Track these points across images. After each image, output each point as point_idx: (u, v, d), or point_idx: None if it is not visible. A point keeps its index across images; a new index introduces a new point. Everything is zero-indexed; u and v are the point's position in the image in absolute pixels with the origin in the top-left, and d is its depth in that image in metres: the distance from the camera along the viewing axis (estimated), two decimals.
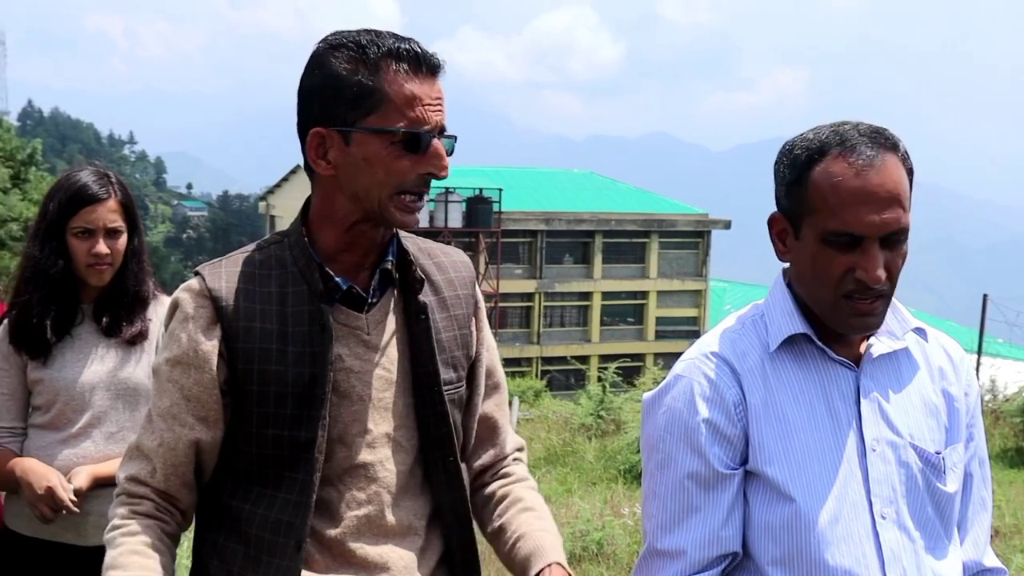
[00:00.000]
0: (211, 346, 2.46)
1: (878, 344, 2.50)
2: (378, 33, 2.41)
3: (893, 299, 2.46)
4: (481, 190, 51.31)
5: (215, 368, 2.46)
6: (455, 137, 2.48)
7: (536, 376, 46.10)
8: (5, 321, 3.78)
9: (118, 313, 3.79)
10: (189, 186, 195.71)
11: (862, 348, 2.51)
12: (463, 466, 2.66)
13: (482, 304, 2.77)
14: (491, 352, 2.78)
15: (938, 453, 2.48)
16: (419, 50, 2.40)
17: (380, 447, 2.51)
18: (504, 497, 2.73)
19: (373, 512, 2.50)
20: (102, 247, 3.70)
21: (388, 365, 2.53)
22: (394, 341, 2.55)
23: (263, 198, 67.29)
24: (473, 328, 2.70)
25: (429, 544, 2.58)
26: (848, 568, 2.35)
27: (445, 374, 2.57)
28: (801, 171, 2.38)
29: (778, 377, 2.46)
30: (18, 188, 46.88)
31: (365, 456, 2.50)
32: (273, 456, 2.47)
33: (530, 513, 2.69)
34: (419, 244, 2.69)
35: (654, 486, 2.49)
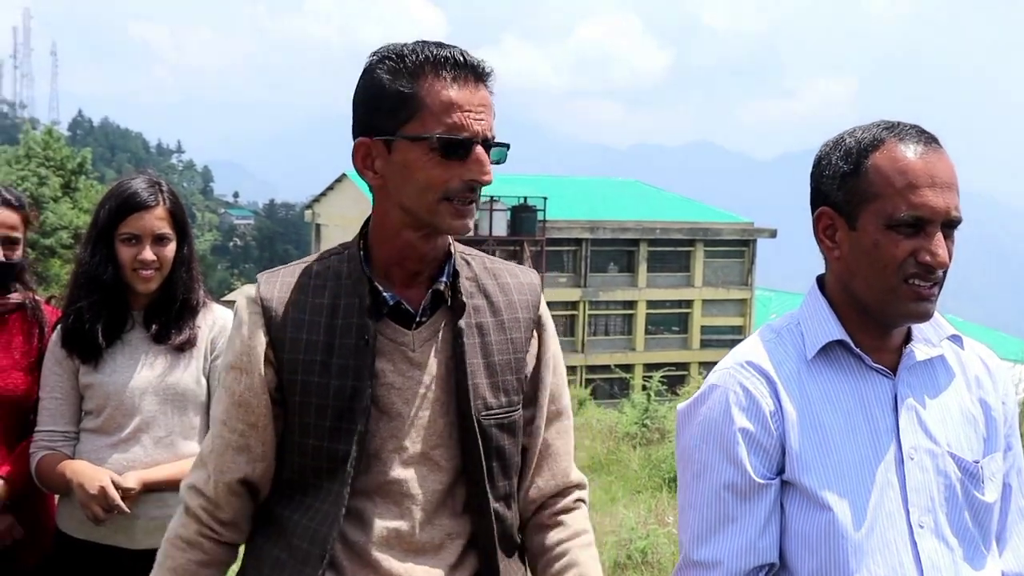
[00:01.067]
0: (259, 352, 2.50)
1: (916, 351, 2.50)
2: (424, 43, 2.41)
3: None
4: (526, 199, 51.25)
5: (263, 373, 2.50)
6: (506, 145, 2.46)
7: (580, 385, 46.01)
8: (59, 327, 3.84)
9: (167, 320, 3.83)
10: (235, 195, 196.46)
11: (898, 356, 2.50)
12: (509, 492, 2.63)
13: (548, 327, 2.71)
14: (557, 377, 2.72)
15: (976, 462, 2.47)
16: (461, 57, 2.39)
17: (415, 465, 2.51)
18: (561, 556, 2.65)
19: (404, 528, 2.49)
20: (148, 253, 3.74)
21: (431, 383, 2.52)
22: (441, 360, 2.53)
23: (309, 206, 67.44)
24: (532, 352, 2.66)
25: (462, 563, 2.55)
26: None
27: (493, 399, 2.55)
28: (859, 160, 2.39)
29: (815, 385, 2.45)
30: (68, 197, 47.45)
31: (399, 473, 2.50)
32: (313, 467, 2.50)
33: None
34: (486, 264, 2.68)
35: (690, 496, 2.49)
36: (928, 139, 2.38)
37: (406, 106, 2.37)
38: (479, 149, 2.39)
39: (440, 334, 2.54)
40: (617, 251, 55.46)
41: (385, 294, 2.51)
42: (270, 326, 2.51)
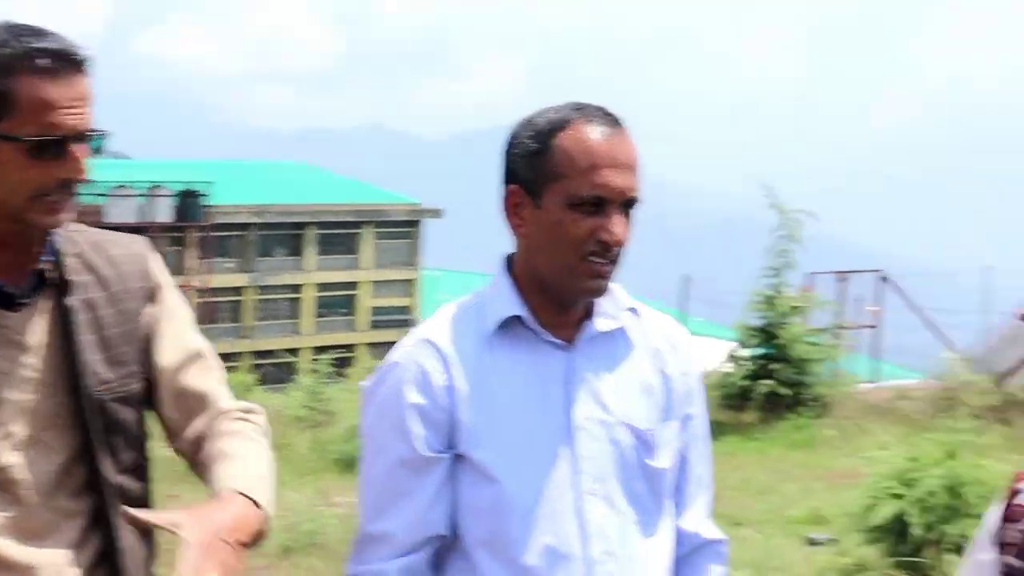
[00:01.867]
0: None
1: (594, 324, 2.55)
2: (17, 32, 2.31)
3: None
4: (191, 184, 50.36)
5: None
6: (102, 134, 2.40)
7: (248, 370, 45.62)
8: None
9: None
10: None
11: (578, 330, 2.54)
12: (138, 463, 2.59)
13: (163, 286, 2.64)
14: (183, 324, 2.65)
15: (649, 430, 2.53)
16: (56, 46, 2.30)
17: (24, 449, 2.42)
18: (211, 451, 2.52)
19: (19, 514, 2.41)
20: None
21: (38, 366, 2.44)
22: (48, 341, 2.45)
23: None
24: (149, 319, 2.59)
25: (85, 542, 2.48)
26: (549, 545, 2.41)
27: (107, 372, 2.49)
28: (545, 139, 2.42)
29: (491, 360, 2.49)
30: None
31: (6, 459, 2.40)
32: None
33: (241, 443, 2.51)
34: (93, 238, 2.59)
35: (368, 473, 2.52)
36: (612, 121, 2.45)
37: (1, 103, 2.28)
38: (75, 147, 2.33)
39: (47, 315, 2.47)
40: (285, 235, 55.22)
41: None
42: None
